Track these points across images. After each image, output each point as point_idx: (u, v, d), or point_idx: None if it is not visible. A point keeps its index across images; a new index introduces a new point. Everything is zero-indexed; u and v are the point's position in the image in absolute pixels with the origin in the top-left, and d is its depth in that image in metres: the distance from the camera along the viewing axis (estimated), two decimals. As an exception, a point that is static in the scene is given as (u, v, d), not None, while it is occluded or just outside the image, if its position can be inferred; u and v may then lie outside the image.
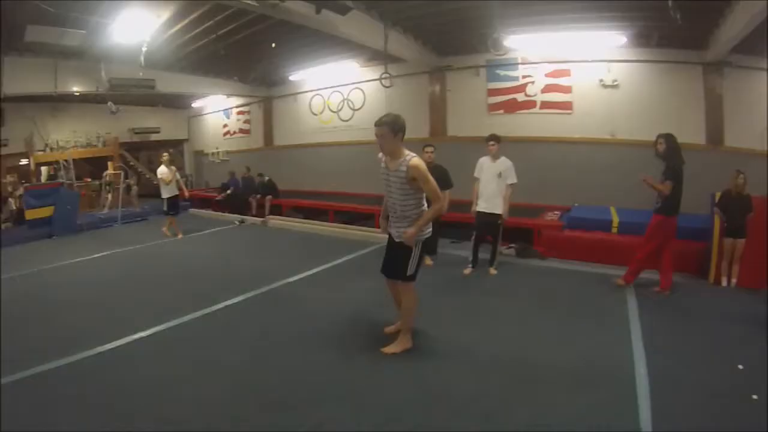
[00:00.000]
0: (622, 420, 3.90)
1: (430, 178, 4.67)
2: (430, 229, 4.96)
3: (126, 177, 18.78)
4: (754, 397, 4.28)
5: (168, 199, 12.08)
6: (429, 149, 8.93)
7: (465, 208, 9.09)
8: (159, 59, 13.91)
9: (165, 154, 12.45)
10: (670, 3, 8.86)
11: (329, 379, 4.58)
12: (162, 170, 11.95)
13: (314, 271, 8.70)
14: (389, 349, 4.88)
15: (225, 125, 22.36)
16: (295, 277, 8.31)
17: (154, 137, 22.74)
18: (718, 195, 8.46)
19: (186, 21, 11.53)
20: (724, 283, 8.14)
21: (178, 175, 12.52)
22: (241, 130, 21.62)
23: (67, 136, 19.45)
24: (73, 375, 4.75)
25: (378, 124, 4.75)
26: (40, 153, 18.62)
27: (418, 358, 4.89)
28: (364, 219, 13.47)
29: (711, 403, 4.22)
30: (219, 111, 22.43)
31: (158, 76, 15.06)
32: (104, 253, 10.93)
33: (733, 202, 8.19)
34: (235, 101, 21.27)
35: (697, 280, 8.37)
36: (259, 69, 17.04)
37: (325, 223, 13.50)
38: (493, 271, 8.51)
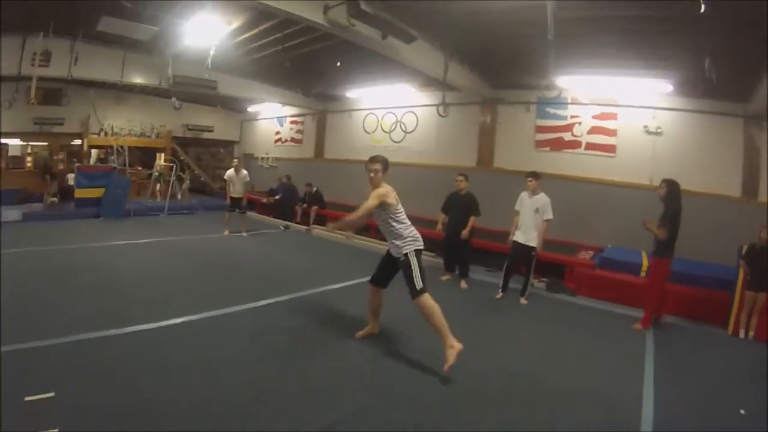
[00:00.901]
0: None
1: (373, 195, 5.50)
2: (421, 242, 5.70)
3: (181, 170, 19.81)
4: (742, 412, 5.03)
5: (232, 198, 13.48)
6: (460, 178, 9.93)
7: (503, 238, 9.84)
8: (224, 62, 14.56)
9: (235, 159, 13.94)
10: (706, 64, 9.82)
11: (354, 367, 5.38)
12: (230, 173, 13.42)
13: (358, 281, 9.25)
14: (447, 364, 5.15)
15: (277, 132, 23.36)
16: (339, 285, 9.11)
17: (206, 135, 23.72)
18: (745, 248, 8.85)
19: (255, 30, 12.23)
20: (742, 335, 8.52)
21: (246, 178, 13.73)
22: (293, 139, 22.50)
23: (123, 124, 20.40)
24: (129, 344, 5.48)
25: (373, 161, 5.70)
26: (95, 136, 19.43)
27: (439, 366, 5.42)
28: None
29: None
30: (273, 118, 23.43)
31: (221, 78, 15.89)
32: (151, 240, 11.85)
33: (758, 256, 8.58)
34: (290, 110, 22.16)
35: (716, 330, 8.80)
36: (322, 84, 17.78)
37: (367, 238, 14.22)
38: (523, 300, 9.08)
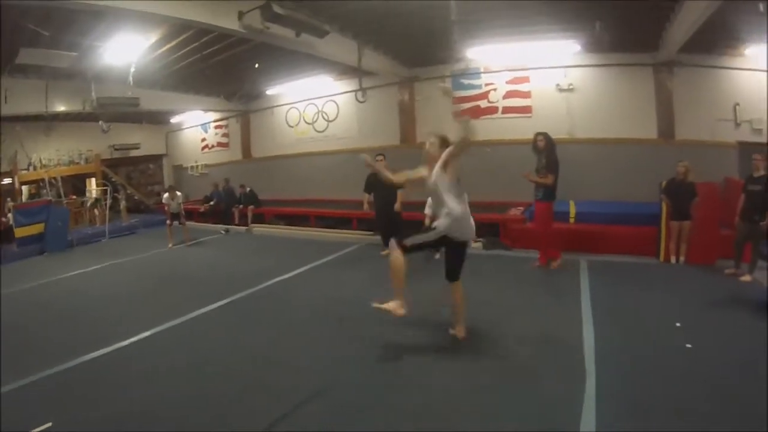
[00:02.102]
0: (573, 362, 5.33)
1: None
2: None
3: (115, 191, 20.05)
4: (688, 346, 5.70)
5: (172, 214, 14.34)
6: (380, 158, 10.81)
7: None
8: (144, 77, 15.15)
9: (170, 187, 15.06)
10: (597, 25, 10.98)
11: (326, 345, 6.15)
12: (166, 197, 14.37)
13: (306, 268, 10.41)
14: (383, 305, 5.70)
15: (203, 139, 24.10)
16: (290, 274, 9.94)
17: (133, 153, 23.98)
18: (664, 183, 10.31)
19: (173, 42, 12.81)
20: (673, 260, 10.03)
21: (180, 199, 14.59)
22: (220, 144, 23.36)
23: (51, 154, 20.50)
24: (112, 360, 6.03)
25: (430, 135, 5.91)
26: (24, 172, 19.43)
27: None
28: (343, 222, 15.04)
29: (647, 347, 5.73)
30: (197, 126, 24.08)
31: (142, 94, 16.17)
32: (103, 265, 12.30)
33: (677, 189, 9.99)
34: (213, 116, 22.85)
35: (650, 260, 10.18)
36: (244, 87, 18.71)
37: (307, 228, 15.29)
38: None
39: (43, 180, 18.38)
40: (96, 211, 20.22)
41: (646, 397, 4.60)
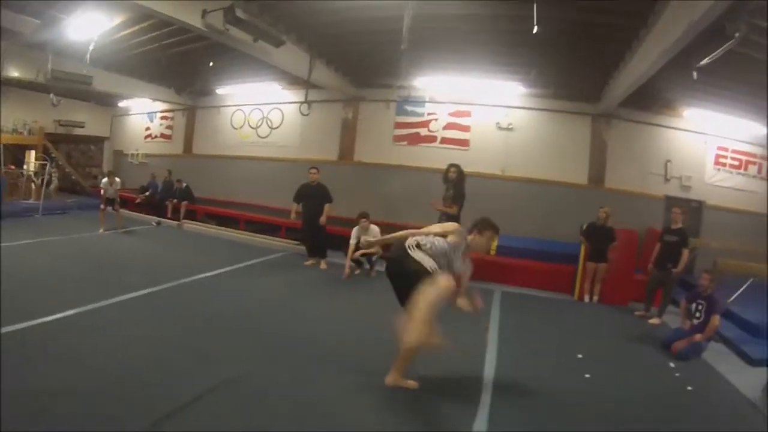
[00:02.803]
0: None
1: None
2: None
3: (53, 168, 19.87)
4: (587, 376, 6.43)
5: (107, 199, 14.51)
6: (313, 170, 11.75)
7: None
8: (100, 58, 15.53)
9: (111, 171, 15.33)
10: (532, 73, 12.28)
11: (229, 339, 6.51)
12: (104, 183, 14.61)
13: (229, 268, 10.94)
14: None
15: (147, 128, 24.25)
16: (213, 273, 10.38)
17: (77, 131, 24.02)
18: (584, 225, 11.39)
19: (135, 28, 13.30)
20: (587, 299, 11.07)
21: (117, 186, 14.83)
22: (163, 135, 23.56)
23: None
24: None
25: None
26: None
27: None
28: (272, 229, 15.69)
29: (546, 372, 6.48)
30: (143, 113, 24.31)
31: (96, 74, 16.68)
32: (33, 240, 12.27)
33: (597, 232, 11.05)
34: (160, 106, 23.14)
35: (565, 296, 11.25)
36: (196, 82, 19.24)
37: (236, 231, 15.78)
38: (373, 274, 11.28)
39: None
40: (32, 186, 19.93)
41: (535, 415, 5.29)
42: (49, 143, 22.96)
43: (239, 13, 10.08)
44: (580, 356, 7.23)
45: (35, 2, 11.63)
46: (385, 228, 11.05)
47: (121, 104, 24.65)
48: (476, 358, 6.75)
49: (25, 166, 21.40)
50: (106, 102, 24.31)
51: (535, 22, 8.65)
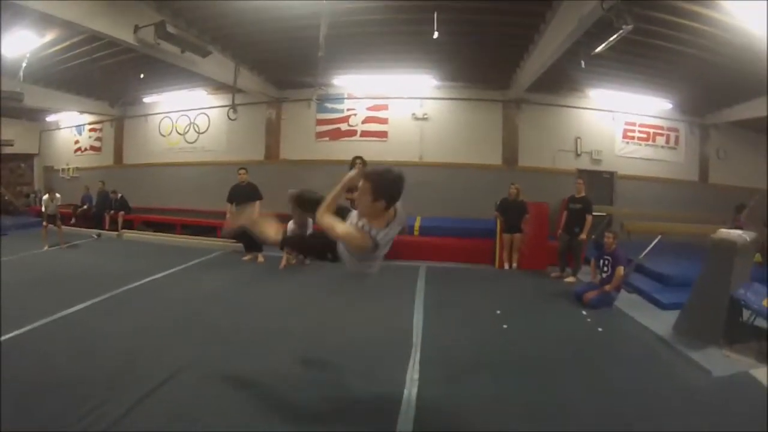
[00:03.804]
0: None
1: None
2: None
3: None
4: (504, 326, 7.82)
5: (49, 215, 15.39)
6: (242, 171, 13.11)
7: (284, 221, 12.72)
8: (30, 73, 15.71)
9: (51, 189, 16.19)
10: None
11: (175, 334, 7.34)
12: (45, 199, 15.51)
13: (172, 270, 11.94)
14: None
15: (77, 141, 24.50)
16: (159, 275, 11.36)
17: (6, 150, 23.92)
18: (497, 201, 12.96)
19: (67, 43, 13.94)
20: (506, 267, 12.69)
21: (58, 202, 15.71)
22: (92, 147, 23.89)
23: None
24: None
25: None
26: None
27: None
28: (207, 230, 16.93)
29: (468, 328, 7.76)
30: (72, 127, 24.61)
31: (27, 89, 16.53)
32: None
33: (509, 206, 12.62)
34: (88, 118, 23.51)
35: (487, 267, 12.81)
36: (127, 93, 20.06)
37: (174, 235, 17.01)
38: (307, 262, 12.51)
39: None
40: None
41: (462, 360, 6.48)
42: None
43: (170, 28, 11.16)
44: (498, 312, 8.64)
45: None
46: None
47: (49, 119, 24.85)
48: (406, 318, 8.09)
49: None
50: (34, 117, 24.50)
51: (435, 28, 10.37)
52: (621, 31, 8.95)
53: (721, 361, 6.49)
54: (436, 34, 10.53)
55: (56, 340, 7.02)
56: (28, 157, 26.27)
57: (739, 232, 7.89)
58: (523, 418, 5.05)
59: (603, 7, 8.43)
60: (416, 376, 5.93)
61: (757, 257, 10.88)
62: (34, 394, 5.28)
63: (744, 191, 15.51)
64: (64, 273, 11.73)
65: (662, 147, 17.76)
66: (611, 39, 9.47)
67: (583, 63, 11.65)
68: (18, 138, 24.75)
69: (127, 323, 7.82)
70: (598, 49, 10.11)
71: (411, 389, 5.57)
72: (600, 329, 7.97)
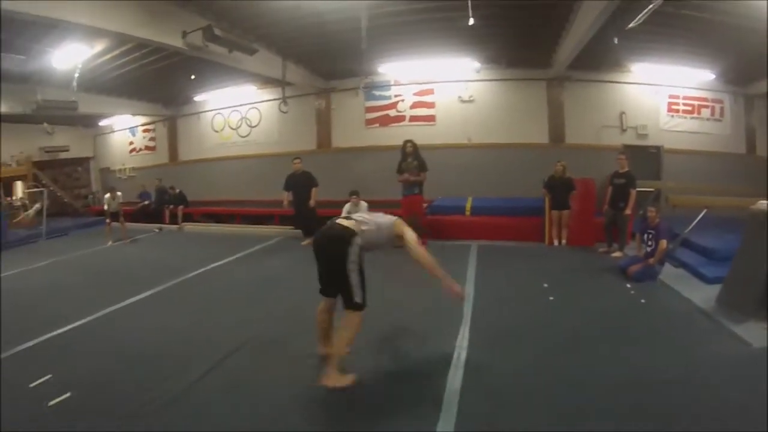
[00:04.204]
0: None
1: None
2: None
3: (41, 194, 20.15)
4: (551, 298, 8.20)
5: (112, 213, 16.15)
6: (296, 161, 13.57)
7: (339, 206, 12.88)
8: (82, 82, 16.45)
9: (113, 188, 16.86)
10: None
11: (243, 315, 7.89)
12: (107, 197, 16.20)
13: (235, 257, 12.58)
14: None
15: (131, 142, 25.75)
16: (222, 262, 12.04)
17: (62, 155, 25.11)
18: (545, 179, 13.18)
19: (117, 51, 14.69)
20: (556, 243, 12.96)
21: (120, 199, 16.48)
22: (147, 147, 25.11)
23: None
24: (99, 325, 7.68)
25: None
26: None
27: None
28: (266, 219, 17.53)
29: (514, 302, 8.13)
30: (125, 129, 25.73)
31: (80, 97, 17.74)
32: (47, 262, 13.34)
33: (556, 184, 12.89)
34: (141, 120, 24.68)
35: (537, 244, 13.09)
36: (180, 94, 20.92)
37: (233, 225, 17.72)
38: None
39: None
40: (29, 213, 20.61)
41: (508, 328, 6.93)
42: (38, 171, 24.05)
43: (217, 31, 11.70)
44: (546, 285, 9.00)
45: (21, 39, 12.65)
46: (371, 204, 13.09)
47: (102, 123, 25.92)
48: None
49: (13, 196, 22.50)
50: (88, 123, 25.46)
51: (470, 15, 10.53)
52: (651, 5, 9.15)
53: (761, 334, 6.47)
54: (471, 21, 10.65)
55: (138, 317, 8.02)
56: (83, 161, 27.17)
57: (777, 203, 7.58)
58: (562, 381, 5.39)
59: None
60: (465, 343, 6.45)
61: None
62: (126, 359, 6.20)
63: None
64: (128, 265, 12.65)
65: (707, 119, 17.59)
66: (643, 12, 9.63)
67: (615, 39, 11.80)
68: (72, 143, 25.76)
69: (195, 304, 8.74)
70: (632, 23, 10.24)
71: (460, 353, 6.11)
72: (643, 301, 8.23)
